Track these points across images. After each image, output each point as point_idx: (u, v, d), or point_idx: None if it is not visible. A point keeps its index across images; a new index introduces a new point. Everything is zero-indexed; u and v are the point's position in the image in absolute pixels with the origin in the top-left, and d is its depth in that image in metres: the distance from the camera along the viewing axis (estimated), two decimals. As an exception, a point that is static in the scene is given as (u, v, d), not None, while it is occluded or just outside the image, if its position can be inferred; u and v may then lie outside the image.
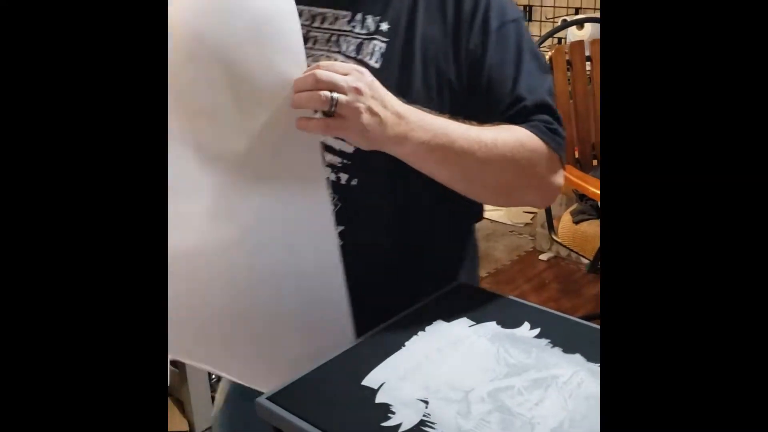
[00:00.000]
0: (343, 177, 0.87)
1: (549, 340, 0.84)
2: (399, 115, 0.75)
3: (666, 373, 0.53)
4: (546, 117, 0.91)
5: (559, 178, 0.93)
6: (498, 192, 0.90)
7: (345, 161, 0.86)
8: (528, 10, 3.51)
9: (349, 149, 0.86)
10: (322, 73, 0.71)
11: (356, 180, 0.87)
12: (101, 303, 0.56)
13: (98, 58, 0.57)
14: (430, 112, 0.81)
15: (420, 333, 0.86)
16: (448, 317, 0.89)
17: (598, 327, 0.88)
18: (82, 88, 0.57)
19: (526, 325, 0.88)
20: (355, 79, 0.72)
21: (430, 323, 0.88)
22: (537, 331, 0.86)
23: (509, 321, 0.88)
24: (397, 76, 0.83)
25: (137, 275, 0.57)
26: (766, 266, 0.51)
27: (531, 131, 0.88)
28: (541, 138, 0.88)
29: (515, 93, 0.89)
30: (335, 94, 0.71)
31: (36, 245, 0.55)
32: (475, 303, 0.94)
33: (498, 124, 0.87)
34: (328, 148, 0.86)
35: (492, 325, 0.88)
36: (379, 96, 0.74)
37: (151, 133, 0.59)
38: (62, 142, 0.56)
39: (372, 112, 0.73)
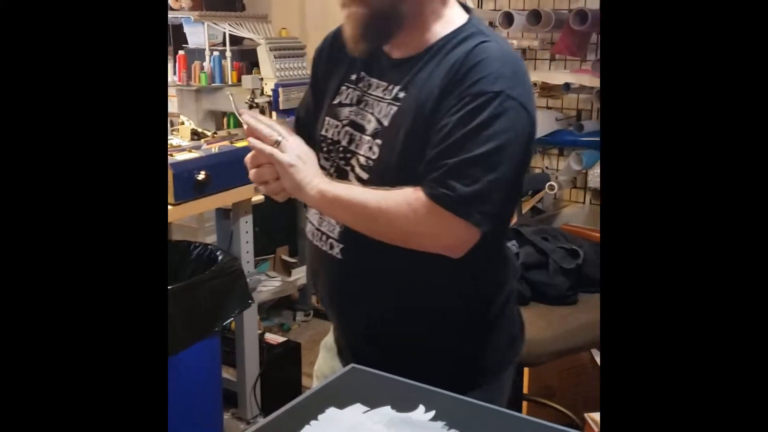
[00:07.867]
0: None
1: (444, 422, 0.83)
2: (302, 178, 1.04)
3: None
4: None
5: (454, 233, 0.98)
6: (394, 240, 1.02)
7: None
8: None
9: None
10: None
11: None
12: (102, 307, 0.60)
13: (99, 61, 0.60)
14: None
15: (313, 422, 0.83)
16: (341, 404, 0.86)
17: (492, 407, 0.88)
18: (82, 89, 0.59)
19: (421, 407, 0.86)
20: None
21: (322, 411, 0.85)
22: (432, 413, 0.85)
23: (404, 404, 0.86)
24: (395, 134, 1.04)
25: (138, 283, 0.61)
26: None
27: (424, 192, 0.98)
28: (433, 199, 0.97)
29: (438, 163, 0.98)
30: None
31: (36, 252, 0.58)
32: (368, 387, 0.91)
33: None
34: None
35: (387, 410, 0.85)
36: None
37: (152, 134, 0.62)
38: (64, 144, 0.59)
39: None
